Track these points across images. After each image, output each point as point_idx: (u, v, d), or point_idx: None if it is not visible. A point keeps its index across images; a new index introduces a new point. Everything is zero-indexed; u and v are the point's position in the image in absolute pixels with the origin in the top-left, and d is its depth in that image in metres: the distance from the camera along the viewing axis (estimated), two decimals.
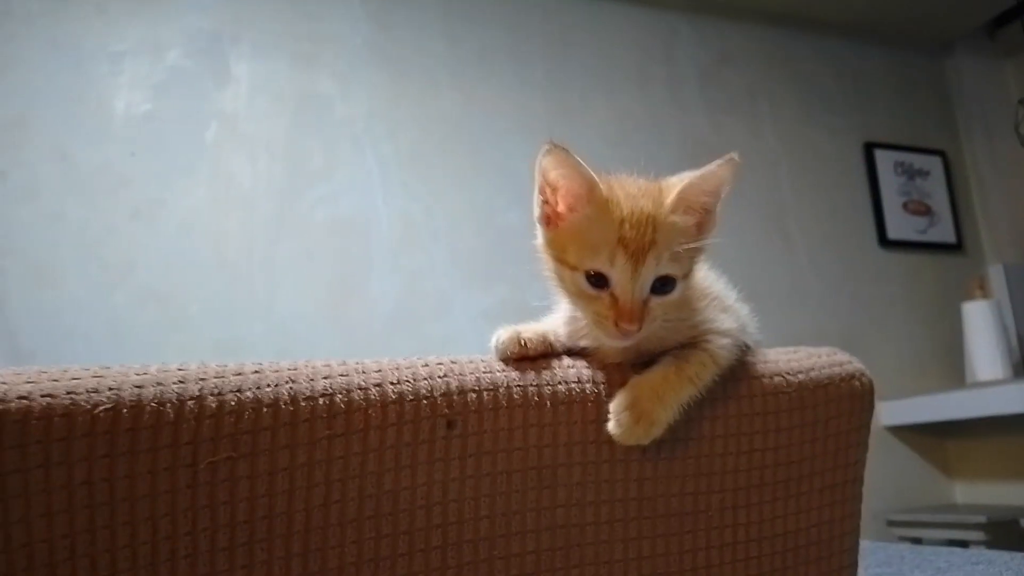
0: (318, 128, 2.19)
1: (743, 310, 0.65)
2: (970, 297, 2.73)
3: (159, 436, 0.48)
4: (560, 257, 0.60)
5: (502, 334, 0.59)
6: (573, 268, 0.59)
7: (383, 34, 2.31)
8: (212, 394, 0.49)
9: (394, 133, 2.26)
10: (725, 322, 0.62)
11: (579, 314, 0.61)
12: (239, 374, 0.51)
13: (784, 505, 0.61)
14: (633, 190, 0.59)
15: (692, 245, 0.59)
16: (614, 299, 0.58)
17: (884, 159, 2.99)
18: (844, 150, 2.97)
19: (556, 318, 0.64)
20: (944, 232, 3.01)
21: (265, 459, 0.50)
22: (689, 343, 0.60)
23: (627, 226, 0.57)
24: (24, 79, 1.93)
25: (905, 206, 2.99)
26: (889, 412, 2.60)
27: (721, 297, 0.64)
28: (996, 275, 2.90)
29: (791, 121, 2.82)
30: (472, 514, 0.54)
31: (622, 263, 0.57)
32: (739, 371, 0.61)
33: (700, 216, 0.60)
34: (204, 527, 0.49)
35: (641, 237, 0.56)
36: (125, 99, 2.03)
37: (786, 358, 0.63)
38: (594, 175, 0.58)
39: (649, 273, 0.57)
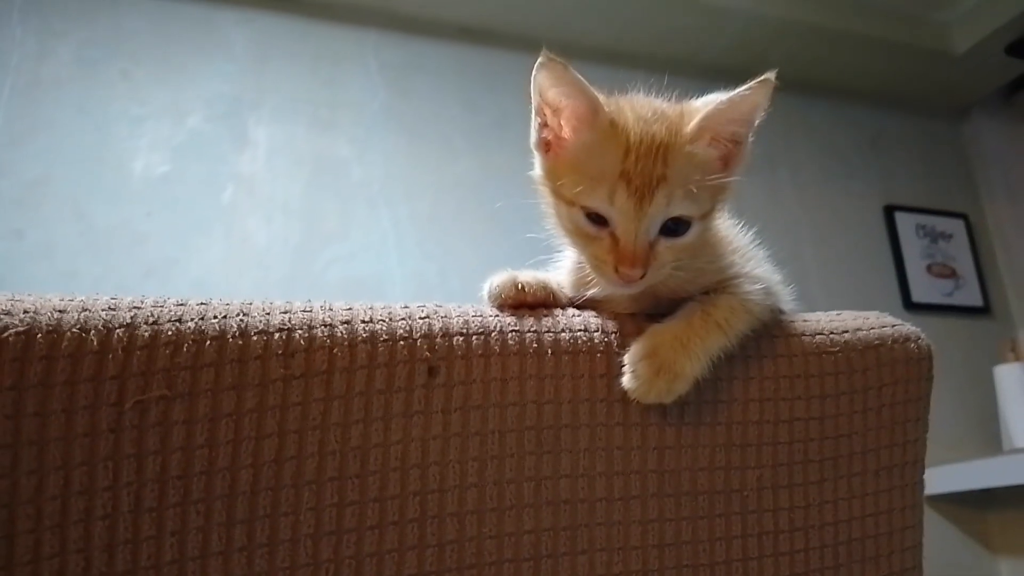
0: (334, 190, 2.18)
1: (776, 275, 0.56)
2: (1002, 360, 2.60)
3: (79, 367, 0.40)
4: (557, 190, 0.52)
5: (496, 278, 0.51)
6: (570, 203, 0.51)
7: (401, 100, 2.32)
8: (146, 323, 0.42)
9: (410, 195, 2.24)
10: (756, 269, 0.53)
11: (582, 258, 0.53)
12: (181, 304, 0.43)
13: (833, 488, 0.51)
14: (647, 113, 0.51)
15: (715, 181, 0.51)
16: (615, 240, 0.50)
17: (905, 222, 2.93)
18: (865, 213, 2.92)
19: (559, 267, 0.56)
20: (971, 295, 2.91)
21: (206, 401, 0.41)
22: (715, 290, 0.52)
23: (633, 157, 0.49)
24: (49, 143, 1.95)
25: (929, 269, 2.90)
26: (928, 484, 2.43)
27: (750, 249, 0.56)
28: None
29: (811, 185, 2.78)
30: (457, 481, 0.45)
31: (623, 201, 0.48)
32: (775, 328, 0.52)
33: (727, 148, 0.52)
34: (128, 481, 0.41)
35: (649, 170, 0.48)
36: (144, 161, 2.04)
37: (828, 318, 0.54)
38: (596, 94, 0.51)
39: (657, 213, 0.49)
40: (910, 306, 2.85)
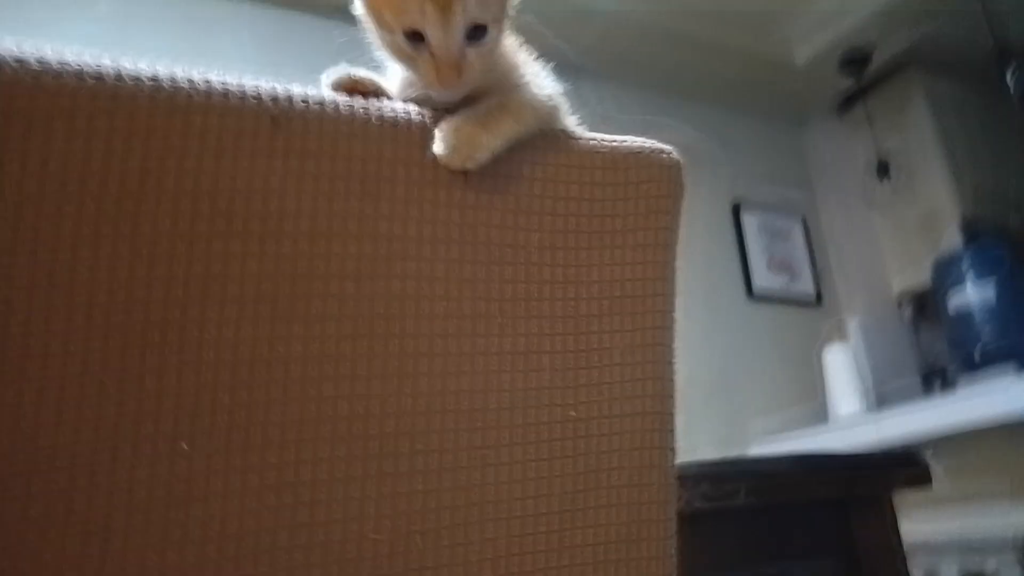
0: None
1: (559, 88, 0.70)
2: (829, 343, 2.92)
3: None
4: (378, 20, 0.65)
5: (333, 69, 0.63)
6: (391, 29, 0.63)
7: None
8: (38, 61, 0.51)
9: None
10: (543, 82, 0.67)
11: (411, 76, 0.65)
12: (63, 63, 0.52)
13: (599, 254, 0.65)
14: None
15: None
16: (433, 54, 0.62)
17: (750, 220, 3.22)
18: (715, 210, 3.18)
19: (387, 75, 0.68)
20: (805, 287, 3.24)
21: (83, 121, 0.51)
22: (510, 92, 0.65)
23: None
24: None
25: (769, 262, 3.21)
26: (760, 451, 2.69)
27: (538, 68, 0.70)
28: (852, 327, 3.11)
29: None
30: (293, 208, 0.56)
31: (432, 14, 0.60)
32: (557, 129, 0.66)
33: None
34: (12, 176, 0.49)
35: None
36: None
37: (599, 135, 0.69)
38: None
39: (459, 22, 0.61)
40: (752, 295, 3.15)
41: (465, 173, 0.61)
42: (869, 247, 3.32)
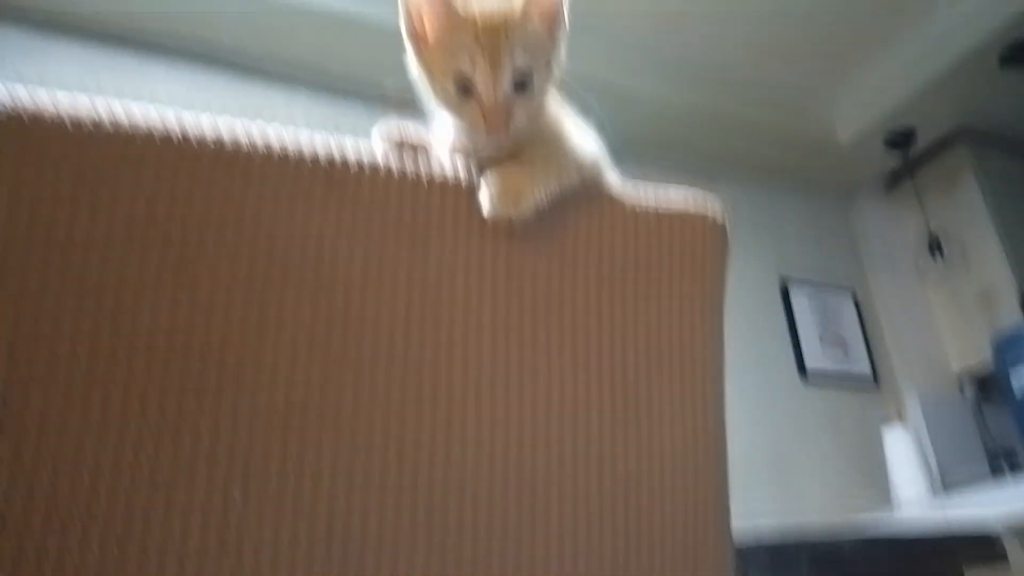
0: None
1: (602, 145, 0.72)
2: (889, 423, 2.82)
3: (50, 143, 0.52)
4: (429, 69, 0.68)
5: (382, 122, 0.66)
6: (442, 78, 0.66)
7: None
8: (111, 124, 0.54)
9: None
10: (586, 138, 0.69)
11: (458, 124, 0.68)
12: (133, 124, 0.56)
13: (646, 307, 0.65)
14: (487, 4, 0.67)
15: (545, 48, 0.67)
16: (481, 102, 0.65)
17: (799, 295, 3.18)
18: (762, 286, 3.15)
19: (434, 130, 0.71)
20: (860, 364, 3.16)
21: (151, 170, 0.54)
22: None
23: (481, 30, 0.64)
24: None
25: (821, 339, 3.14)
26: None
27: (581, 125, 0.72)
28: (912, 406, 3.01)
29: None
30: (346, 257, 0.57)
31: (481, 63, 0.64)
32: (601, 182, 0.68)
33: (550, 21, 0.68)
34: (82, 223, 0.52)
35: (495, 38, 0.64)
36: None
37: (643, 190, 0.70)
38: None
39: (506, 70, 0.64)
40: (805, 373, 3.08)
41: (510, 224, 0.62)
42: (925, 324, 3.24)
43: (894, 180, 3.37)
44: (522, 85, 0.66)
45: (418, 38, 0.69)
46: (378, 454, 0.57)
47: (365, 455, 0.56)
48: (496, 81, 0.64)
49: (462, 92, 0.65)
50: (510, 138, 0.65)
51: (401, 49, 0.71)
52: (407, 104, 0.72)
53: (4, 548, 0.46)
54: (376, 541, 0.56)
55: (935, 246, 3.06)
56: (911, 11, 2.59)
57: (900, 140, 3.03)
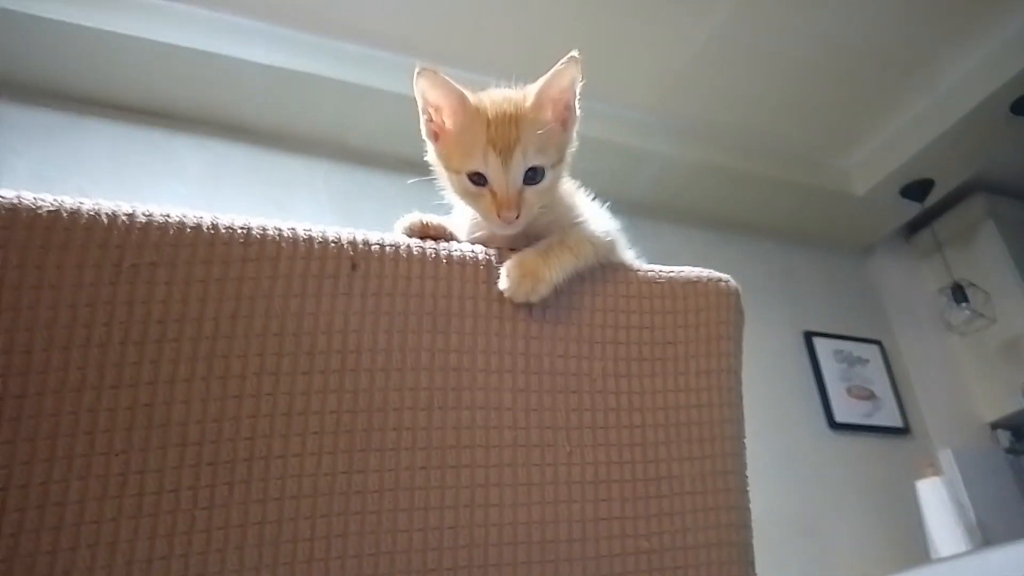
0: None
1: (615, 224, 0.74)
2: (922, 476, 2.76)
3: (92, 235, 0.55)
4: (447, 165, 0.71)
5: (406, 216, 0.68)
6: (457, 172, 0.70)
7: (348, 223, 2.50)
8: (144, 213, 0.57)
9: None
10: (600, 219, 0.72)
11: (474, 212, 0.70)
12: (166, 214, 0.59)
13: (663, 381, 0.66)
14: (499, 98, 0.70)
15: (556, 138, 0.70)
16: (493, 193, 0.68)
17: (824, 347, 3.16)
18: (786, 339, 3.14)
19: (454, 220, 0.73)
20: (890, 417, 3.12)
21: (183, 269, 0.56)
22: (568, 230, 0.69)
23: (494, 128, 0.68)
24: None
25: (849, 391, 3.11)
26: None
27: (595, 207, 0.75)
28: (945, 458, 2.96)
29: None
30: (370, 344, 0.59)
31: (493, 160, 0.67)
32: (615, 262, 0.70)
33: (562, 113, 0.71)
34: (121, 320, 0.54)
35: (507, 136, 0.67)
36: None
37: (657, 266, 0.72)
38: (462, 89, 0.70)
39: (518, 166, 0.67)
40: (834, 426, 3.04)
41: (529, 306, 0.64)
42: (953, 373, 3.20)
43: (913, 231, 3.37)
44: (533, 176, 0.68)
45: (436, 135, 0.72)
46: (403, 538, 0.58)
47: (392, 538, 0.57)
48: (508, 177, 0.67)
49: (476, 184, 0.68)
50: (522, 226, 0.68)
51: (414, 119, 0.75)
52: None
53: None
54: None
55: (959, 294, 3.04)
56: (922, 66, 2.63)
57: (917, 191, 3.03)
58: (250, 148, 2.47)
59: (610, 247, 0.70)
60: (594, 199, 0.76)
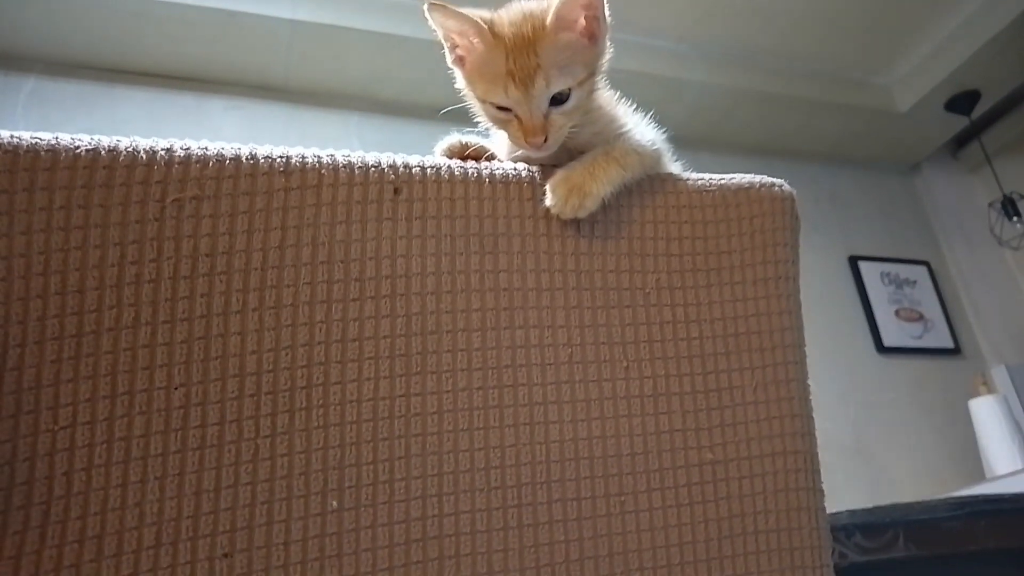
0: None
1: (660, 135, 0.72)
2: (975, 395, 2.72)
3: (132, 173, 0.54)
4: (473, 92, 0.69)
5: (445, 137, 0.67)
6: (483, 101, 0.68)
7: None
8: (182, 148, 0.56)
9: None
10: (644, 129, 0.69)
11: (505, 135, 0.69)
12: (204, 147, 0.58)
13: (719, 291, 0.65)
14: (518, 19, 0.66)
15: (583, 55, 0.67)
16: (519, 120, 0.66)
17: (870, 271, 3.10)
18: (831, 264, 3.08)
19: (493, 141, 0.72)
20: (940, 337, 3.06)
21: (227, 201, 0.56)
22: (612, 142, 0.67)
23: (511, 58, 0.65)
24: None
25: (898, 314, 3.05)
26: None
27: (638, 119, 0.72)
28: (999, 375, 2.91)
29: None
30: (419, 269, 0.59)
31: (513, 91, 0.65)
32: (663, 172, 0.68)
33: (588, 25, 0.68)
34: (168, 256, 0.54)
35: (525, 63, 0.64)
36: None
37: (706, 175, 0.70)
38: (476, 18, 0.66)
39: (540, 95, 0.65)
40: (883, 350, 2.99)
41: (577, 222, 0.63)
42: (1006, 289, 3.12)
43: (960, 145, 3.26)
44: (560, 97, 0.66)
45: (461, 60, 0.70)
46: (465, 458, 0.57)
47: (453, 459, 0.57)
48: (531, 104, 0.64)
49: (503, 111, 0.66)
50: (553, 148, 0.66)
51: (445, 66, 0.73)
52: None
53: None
54: (469, 542, 0.56)
55: (1011, 207, 2.94)
56: None
57: (963, 104, 2.92)
58: (282, 106, 2.48)
59: (656, 157, 0.68)
60: (636, 111, 0.74)
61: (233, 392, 0.53)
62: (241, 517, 0.52)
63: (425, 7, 0.67)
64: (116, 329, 0.52)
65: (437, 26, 0.69)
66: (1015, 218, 2.94)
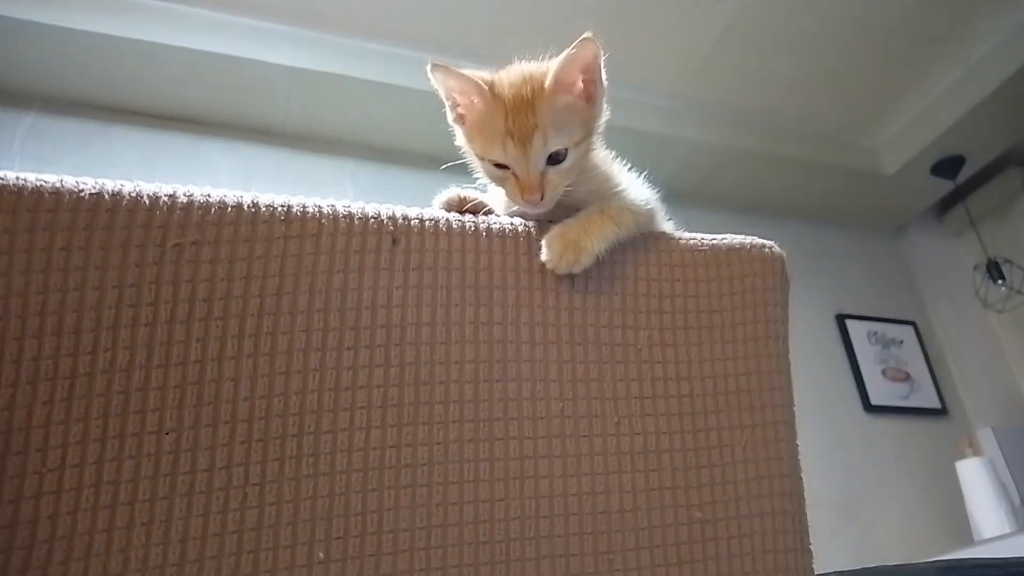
0: None
1: (654, 194, 0.73)
2: (962, 456, 2.71)
3: (134, 217, 0.55)
4: (472, 149, 0.71)
5: (443, 191, 0.68)
6: (482, 158, 0.69)
7: None
8: (185, 194, 0.57)
9: None
10: (638, 189, 0.71)
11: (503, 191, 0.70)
12: (206, 194, 0.59)
13: (710, 349, 0.65)
14: (517, 80, 0.68)
15: (581, 116, 0.69)
16: (516, 177, 0.67)
17: (857, 329, 3.12)
18: (819, 322, 3.10)
19: (491, 192, 0.73)
20: (927, 397, 3.07)
21: (227, 247, 0.56)
22: (607, 200, 0.68)
23: (510, 117, 0.66)
24: None
25: (884, 373, 3.06)
26: None
27: (632, 178, 0.73)
28: (985, 437, 2.91)
29: None
30: (414, 319, 0.59)
31: (512, 149, 0.66)
32: (656, 230, 0.69)
33: (586, 88, 0.69)
34: (166, 300, 0.54)
35: (524, 123, 0.66)
36: None
37: (699, 234, 0.71)
38: (477, 79, 0.68)
39: (537, 153, 0.66)
40: (870, 409, 3.00)
41: (572, 277, 0.63)
42: (991, 351, 3.15)
43: (945, 208, 3.32)
44: (556, 157, 0.67)
45: (462, 118, 0.72)
46: (454, 511, 0.57)
47: (442, 512, 0.57)
48: (528, 163, 0.66)
49: (501, 168, 0.68)
50: (549, 206, 0.67)
51: (439, 116, 0.74)
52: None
53: None
54: None
55: (995, 270, 2.98)
56: (950, 39, 2.58)
57: (948, 168, 2.98)
58: (278, 150, 2.49)
59: (650, 215, 0.69)
60: (630, 169, 0.75)
61: (224, 438, 0.53)
62: (227, 566, 0.51)
63: (428, 67, 0.69)
64: (110, 371, 0.52)
65: (439, 85, 0.71)
66: (1000, 281, 2.98)
